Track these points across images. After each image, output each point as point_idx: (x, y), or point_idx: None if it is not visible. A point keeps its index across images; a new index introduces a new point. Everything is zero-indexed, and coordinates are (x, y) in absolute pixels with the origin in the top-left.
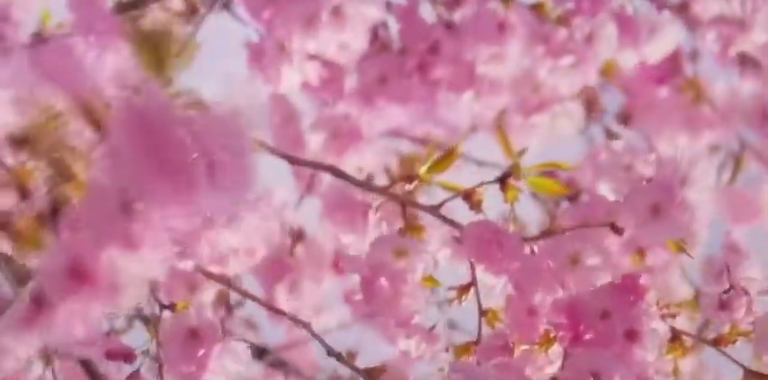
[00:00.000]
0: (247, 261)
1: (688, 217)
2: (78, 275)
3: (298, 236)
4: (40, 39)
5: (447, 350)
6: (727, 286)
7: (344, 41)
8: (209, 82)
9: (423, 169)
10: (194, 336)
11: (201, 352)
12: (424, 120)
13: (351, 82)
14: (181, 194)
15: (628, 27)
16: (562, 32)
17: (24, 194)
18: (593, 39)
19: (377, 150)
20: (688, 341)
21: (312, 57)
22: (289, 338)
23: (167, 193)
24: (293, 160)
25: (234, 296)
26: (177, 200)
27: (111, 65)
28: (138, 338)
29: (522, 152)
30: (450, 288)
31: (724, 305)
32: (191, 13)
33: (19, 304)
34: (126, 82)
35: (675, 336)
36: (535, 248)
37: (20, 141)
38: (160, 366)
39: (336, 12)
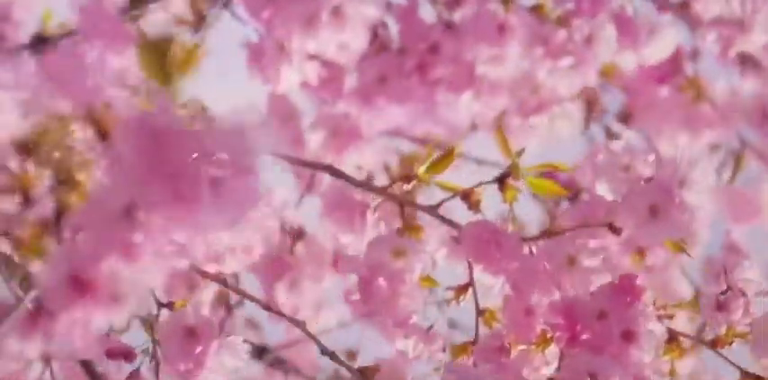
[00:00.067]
0: (245, 259)
1: (686, 218)
2: (79, 285)
3: (298, 234)
4: (43, 40)
5: (444, 350)
6: (725, 287)
7: (344, 41)
8: (212, 85)
9: (421, 169)
10: (191, 334)
11: (199, 349)
12: (423, 119)
13: (350, 81)
14: (183, 206)
15: (627, 28)
16: (562, 34)
17: (27, 199)
18: (593, 40)
19: (377, 149)
20: (686, 342)
21: (312, 57)
22: (289, 337)
23: (170, 204)
24: (291, 160)
25: (234, 295)
26: (179, 212)
27: (116, 70)
28: (137, 337)
29: (520, 152)
30: (448, 288)
31: (721, 306)
32: (197, 21)
33: (20, 311)
34: (132, 88)
35: (672, 337)
36: (534, 249)
37: (24, 146)
38: (157, 365)
39: (336, 12)
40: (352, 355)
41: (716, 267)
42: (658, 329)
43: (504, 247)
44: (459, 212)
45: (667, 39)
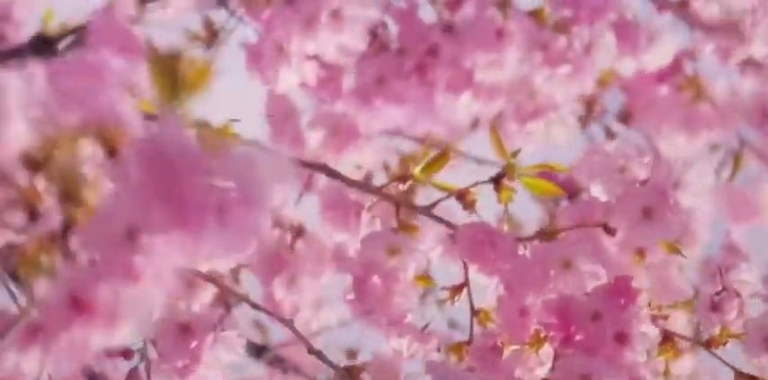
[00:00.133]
0: (237, 258)
1: (680, 219)
2: (78, 304)
3: (298, 232)
4: (45, 40)
5: (439, 350)
6: (720, 288)
7: (343, 43)
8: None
9: (417, 169)
10: (186, 330)
11: (194, 344)
12: (421, 120)
13: (349, 82)
14: (187, 231)
15: (627, 34)
16: (561, 40)
17: (33, 214)
18: (592, 47)
19: (376, 148)
20: (682, 343)
21: (310, 57)
22: (290, 335)
23: (173, 229)
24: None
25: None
26: (182, 237)
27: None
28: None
29: (516, 153)
30: (443, 288)
31: (715, 307)
32: (210, 38)
33: (21, 324)
34: (143, 105)
35: (667, 337)
36: (529, 249)
37: (32, 161)
38: (148, 364)
39: (335, 14)
40: (352, 353)
41: (712, 268)
42: (652, 330)
43: (499, 247)
44: (459, 212)
45: (667, 45)
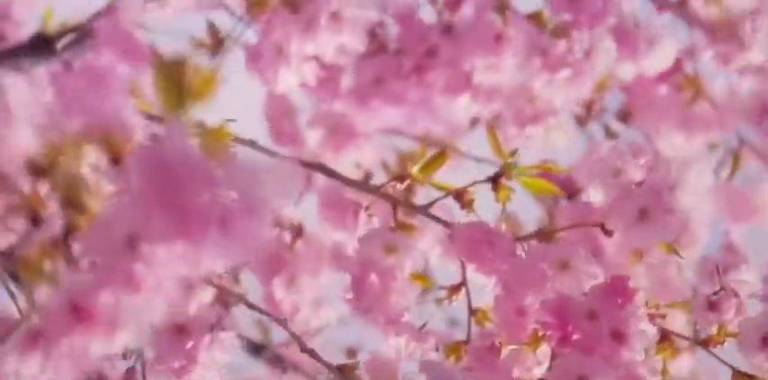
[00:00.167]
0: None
1: (676, 221)
2: (78, 312)
3: (297, 231)
4: (45, 40)
5: (437, 349)
6: (718, 287)
7: (343, 44)
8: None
9: (415, 169)
10: (182, 330)
11: (190, 345)
12: (419, 120)
13: (347, 81)
14: (188, 240)
15: (627, 39)
16: (560, 45)
17: (36, 221)
18: (592, 52)
19: (375, 147)
20: (680, 342)
21: (310, 58)
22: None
23: (174, 238)
24: (285, 158)
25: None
26: (183, 247)
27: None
28: None
29: (513, 152)
30: (441, 288)
31: (712, 306)
32: (215, 45)
33: (23, 329)
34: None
35: (665, 336)
36: (527, 248)
37: (36, 167)
38: (144, 364)
39: (335, 15)
40: (352, 352)
41: (710, 267)
42: (649, 329)
43: (497, 247)
44: (458, 211)
45: (667, 49)
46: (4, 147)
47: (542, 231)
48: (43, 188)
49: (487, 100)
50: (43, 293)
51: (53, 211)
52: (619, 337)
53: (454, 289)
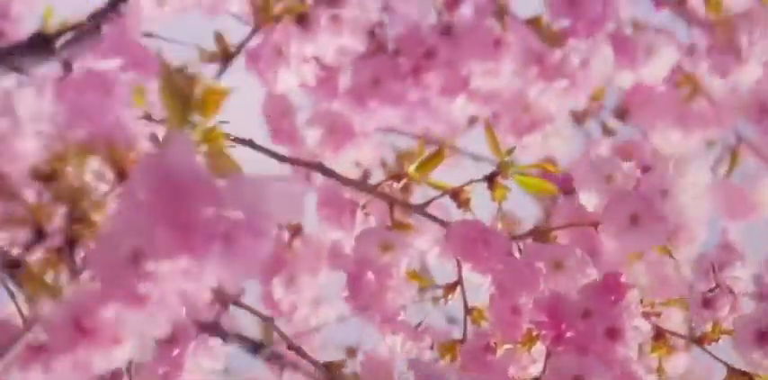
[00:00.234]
0: None
1: (666, 228)
2: (81, 327)
3: (295, 231)
4: (45, 39)
5: (432, 348)
6: (714, 285)
7: (342, 45)
8: None
9: (411, 168)
10: (168, 337)
11: (176, 352)
12: (416, 121)
13: (345, 81)
14: (192, 255)
15: (625, 48)
16: (557, 54)
17: (40, 233)
18: (589, 62)
19: (374, 146)
20: (675, 340)
21: (309, 59)
22: (288, 333)
23: (179, 253)
24: (281, 158)
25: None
26: (186, 264)
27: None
28: None
29: (510, 151)
30: (437, 287)
31: (707, 303)
32: (223, 57)
33: (25, 339)
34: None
35: (660, 334)
36: (523, 247)
37: (41, 178)
38: (130, 369)
39: (335, 17)
40: (351, 351)
41: (706, 265)
42: (644, 326)
43: (492, 245)
44: (456, 210)
45: (665, 58)
46: (10, 156)
47: (538, 230)
48: (47, 198)
49: (484, 103)
50: (46, 304)
51: (57, 222)
52: (613, 333)
53: (450, 288)
